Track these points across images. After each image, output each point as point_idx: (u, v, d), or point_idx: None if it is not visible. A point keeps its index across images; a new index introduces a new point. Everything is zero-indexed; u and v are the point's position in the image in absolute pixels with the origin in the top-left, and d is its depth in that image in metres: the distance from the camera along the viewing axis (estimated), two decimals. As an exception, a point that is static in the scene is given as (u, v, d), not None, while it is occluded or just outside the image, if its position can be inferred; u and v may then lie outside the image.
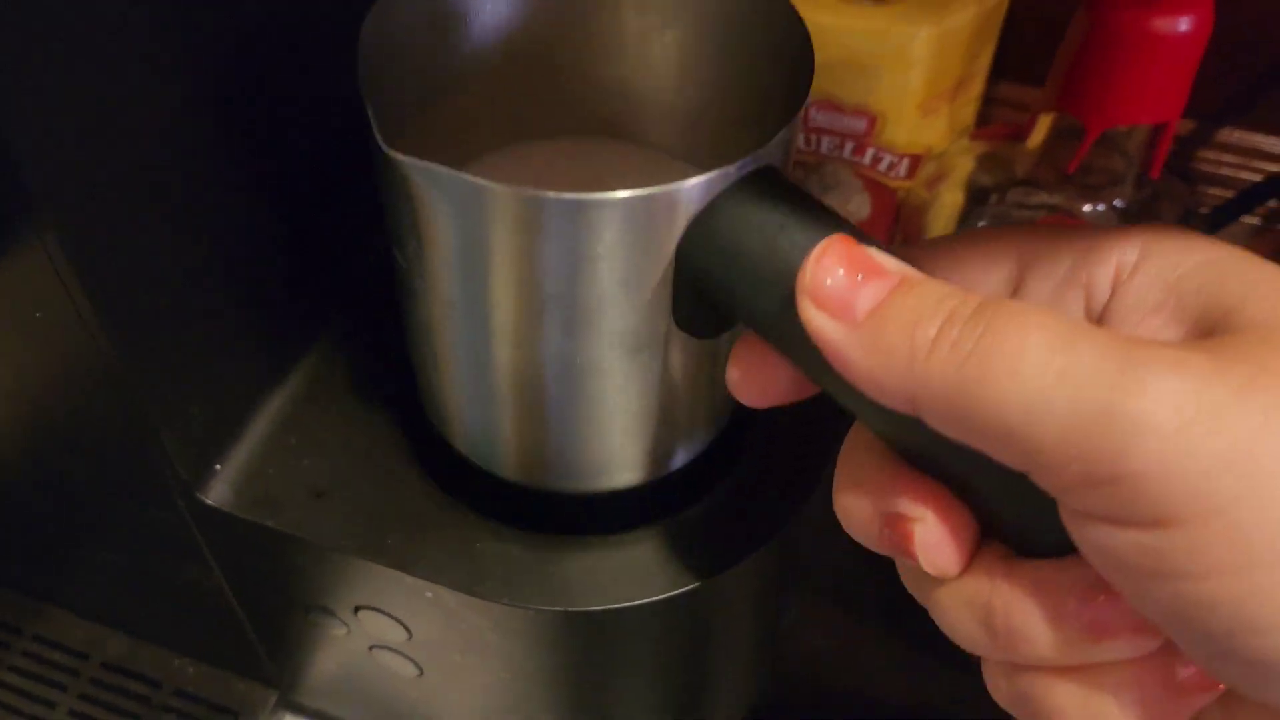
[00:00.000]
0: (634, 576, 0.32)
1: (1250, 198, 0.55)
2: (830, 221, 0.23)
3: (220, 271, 0.32)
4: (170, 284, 0.30)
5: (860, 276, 0.21)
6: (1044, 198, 0.52)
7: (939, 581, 0.22)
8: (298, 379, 0.37)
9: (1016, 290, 0.23)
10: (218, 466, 0.35)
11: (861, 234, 0.22)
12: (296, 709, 0.47)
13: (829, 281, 0.21)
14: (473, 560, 0.33)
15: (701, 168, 0.24)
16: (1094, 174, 0.50)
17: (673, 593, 0.32)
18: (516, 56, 0.31)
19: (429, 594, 0.33)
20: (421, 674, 0.39)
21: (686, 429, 0.31)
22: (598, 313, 0.26)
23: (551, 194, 0.23)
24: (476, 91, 0.31)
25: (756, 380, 0.25)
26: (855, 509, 0.23)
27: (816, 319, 0.21)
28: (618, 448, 0.30)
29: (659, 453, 0.31)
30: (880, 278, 0.21)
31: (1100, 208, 0.50)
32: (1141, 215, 0.50)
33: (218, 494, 0.34)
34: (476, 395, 0.30)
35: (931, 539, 0.21)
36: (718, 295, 0.24)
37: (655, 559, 0.33)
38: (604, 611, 0.32)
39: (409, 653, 0.38)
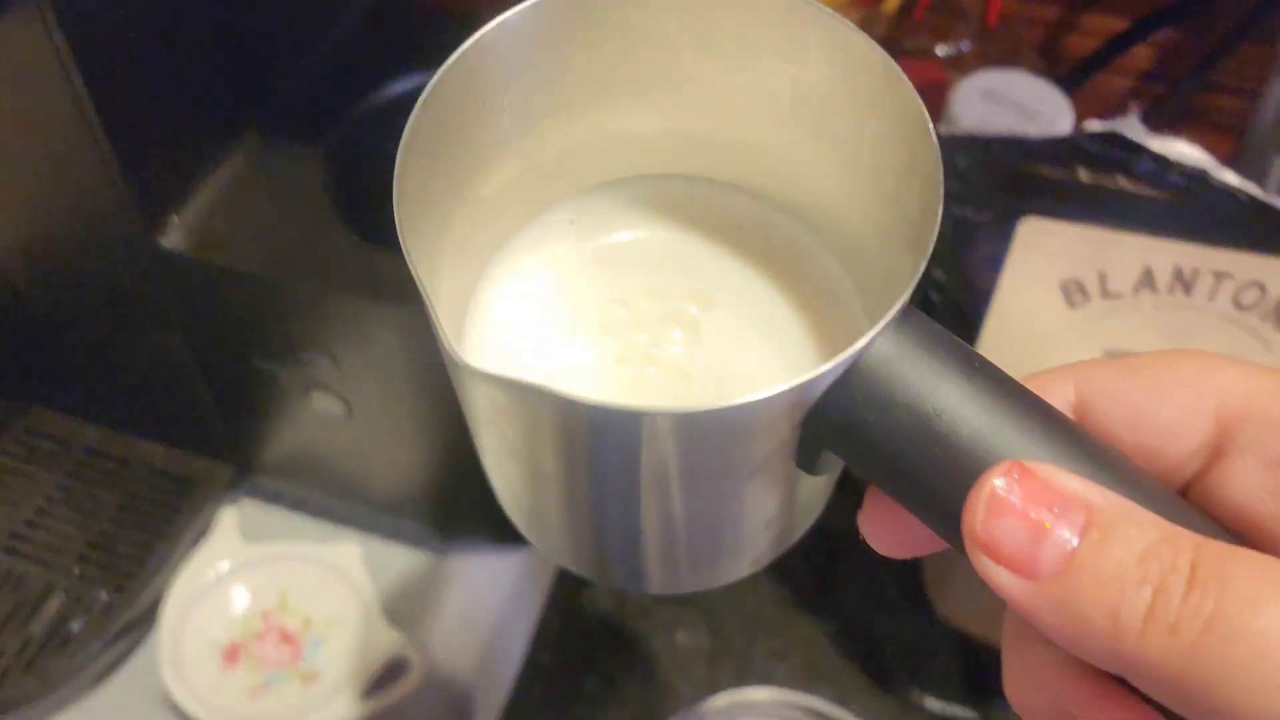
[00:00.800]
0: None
1: (1114, 46, 0.61)
2: (989, 390, 0.20)
3: (185, 38, 0.39)
4: (143, 42, 0.37)
5: (1040, 518, 0.18)
6: (904, 46, 0.60)
7: None
8: (244, 147, 0.44)
9: (1219, 451, 0.20)
10: (174, 217, 0.42)
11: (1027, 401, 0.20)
12: (250, 481, 0.54)
13: (1004, 536, 0.18)
14: (381, 280, 0.40)
15: (784, 209, 0.24)
16: (943, 26, 0.58)
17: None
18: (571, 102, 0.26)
19: (351, 320, 0.41)
20: (350, 412, 0.46)
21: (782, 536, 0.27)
22: (717, 491, 0.23)
23: (680, 410, 0.19)
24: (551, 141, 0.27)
25: (892, 538, 0.23)
26: (1031, 707, 0.20)
27: (994, 575, 0.18)
28: (711, 558, 0.27)
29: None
30: (1063, 517, 0.18)
31: (951, 48, 0.58)
32: (983, 56, 0.57)
33: (173, 239, 0.42)
34: (570, 528, 0.26)
35: None
36: (850, 455, 0.21)
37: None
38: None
39: (338, 387, 0.45)
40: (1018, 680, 0.20)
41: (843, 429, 0.21)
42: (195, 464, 0.53)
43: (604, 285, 0.26)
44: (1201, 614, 0.16)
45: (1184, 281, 0.38)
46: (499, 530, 0.54)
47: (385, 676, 0.48)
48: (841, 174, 0.25)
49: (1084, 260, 0.39)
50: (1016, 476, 0.18)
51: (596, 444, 0.21)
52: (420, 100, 0.22)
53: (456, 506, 0.52)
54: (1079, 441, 0.20)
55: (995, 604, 0.19)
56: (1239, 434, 0.19)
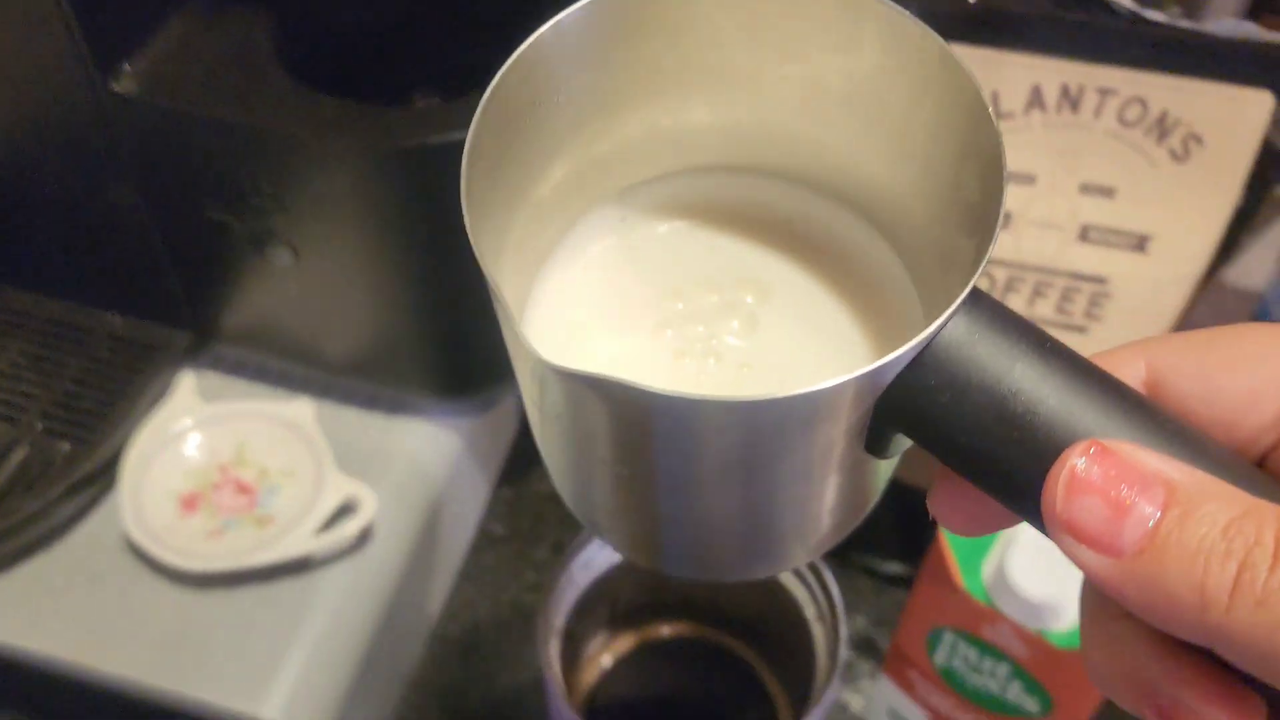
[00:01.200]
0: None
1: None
2: (1064, 369, 0.20)
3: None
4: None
5: (1121, 496, 0.18)
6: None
7: None
8: (193, 6, 0.46)
9: None
10: (126, 66, 0.44)
11: (1107, 381, 0.20)
12: (209, 350, 0.56)
13: (1085, 515, 0.18)
14: (325, 122, 0.43)
15: (836, 199, 0.24)
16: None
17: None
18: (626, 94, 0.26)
19: (297, 160, 0.43)
20: (298, 259, 0.48)
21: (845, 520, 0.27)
22: (783, 477, 0.23)
23: (760, 397, 0.19)
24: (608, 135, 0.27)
25: (964, 517, 0.23)
26: (1112, 678, 0.20)
27: (1076, 553, 0.18)
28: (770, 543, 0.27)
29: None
30: (1144, 494, 0.18)
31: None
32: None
33: (125, 85, 0.44)
34: (635, 518, 0.26)
35: None
36: (923, 438, 0.21)
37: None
38: (426, 147, 0.42)
39: (287, 234, 0.47)
40: (1099, 656, 0.20)
41: (915, 412, 0.21)
42: (155, 331, 0.55)
43: (658, 279, 0.26)
44: None
45: (1071, 99, 0.41)
46: (448, 398, 0.56)
47: (337, 515, 0.50)
48: (896, 162, 0.25)
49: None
50: (1096, 454, 0.18)
51: (675, 435, 0.21)
52: (480, 105, 0.22)
53: (407, 369, 0.54)
54: (1155, 418, 0.20)
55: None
56: None
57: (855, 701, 0.56)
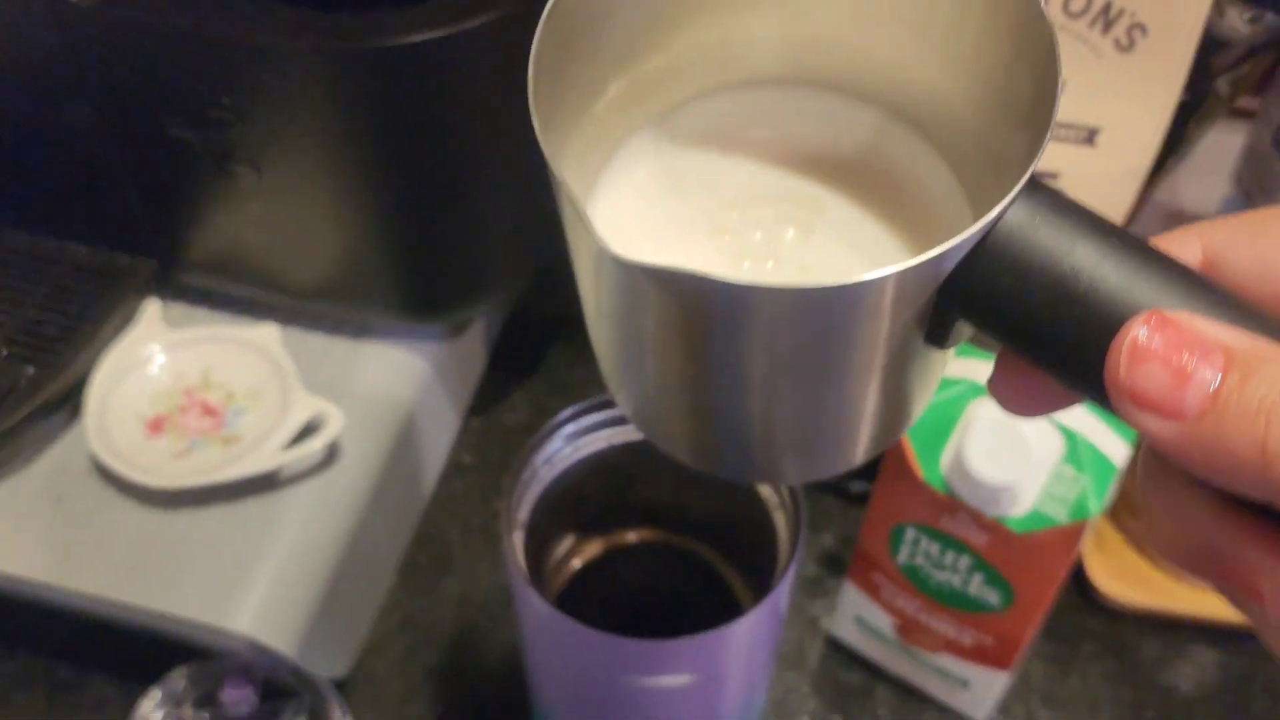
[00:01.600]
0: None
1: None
2: (1124, 249, 0.21)
3: None
4: None
5: (1182, 362, 0.19)
6: None
7: None
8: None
9: None
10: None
11: (1160, 259, 0.21)
12: (174, 279, 0.56)
13: (1147, 381, 0.19)
14: (280, 23, 0.43)
15: (887, 109, 0.25)
16: None
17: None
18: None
19: (256, 67, 0.43)
20: (260, 176, 0.48)
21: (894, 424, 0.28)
22: (852, 369, 0.23)
23: (831, 283, 0.20)
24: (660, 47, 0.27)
25: (1024, 399, 0.24)
26: (1176, 545, 0.21)
27: (1140, 419, 0.19)
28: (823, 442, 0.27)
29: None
30: (1204, 360, 0.19)
31: None
32: None
33: (81, -7, 0.44)
34: (690, 415, 0.27)
35: None
36: (986, 323, 0.22)
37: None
38: (387, 49, 0.42)
39: (248, 149, 0.47)
40: (1161, 522, 0.21)
41: (978, 297, 0.21)
42: (119, 260, 0.55)
43: (710, 196, 0.27)
44: None
45: (1017, -13, 0.41)
46: (415, 320, 0.56)
47: (304, 433, 0.50)
48: (947, 68, 0.25)
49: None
50: (1157, 324, 0.19)
51: (740, 326, 0.22)
52: (542, 18, 0.22)
53: (374, 292, 0.55)
54: (1213, 292, 0.20)
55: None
56: None
57: (825, 618, 0.57)
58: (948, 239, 0.20)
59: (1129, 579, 0.57)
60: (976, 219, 0.20)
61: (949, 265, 0.21)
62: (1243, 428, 0.18)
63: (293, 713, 0.51)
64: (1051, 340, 0.21)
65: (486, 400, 0.66)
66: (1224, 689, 0.55)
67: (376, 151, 0.47)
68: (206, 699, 0.52)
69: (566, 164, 0.24)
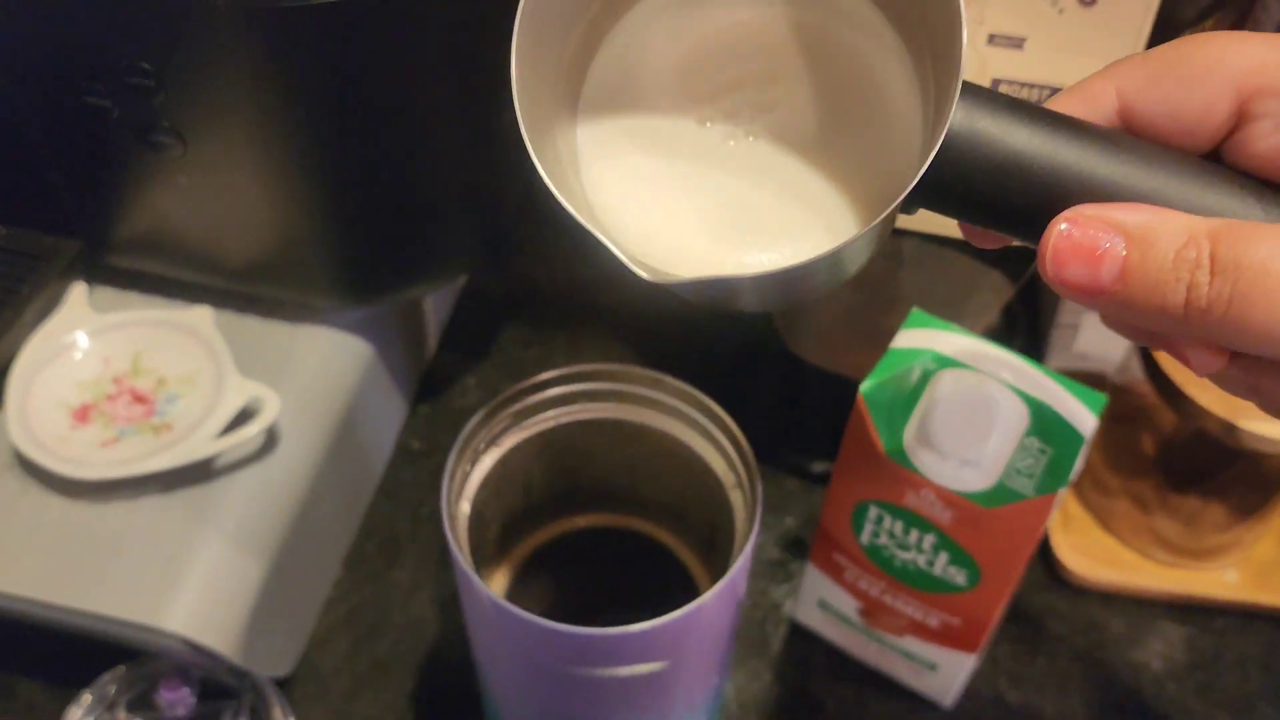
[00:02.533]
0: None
1: None
2: (1047, 131, 0.25)
3: None
4: None
5: (1094, 250, 0.23)
6: None
7: None
8: None
9: (1243, 119, 0.25)
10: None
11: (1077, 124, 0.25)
12: (102, 262, 0.53)
13: (1070, 272, 0.24)
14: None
15: None
16: None
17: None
18: None
19: (172, 26, 0.41)
20: (186, 148, 0.46)
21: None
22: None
23: (805, 261, 0.25)
24: None
25: (989, 239, 0.29)
26: (1125, 331, 0.27)
27: (1072, 295, 0.24)
28: None
29: None
30: (1110, 244, 0.23)
31: None
32: None
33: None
34: None
35: None
36: (939, 205, 0.27)
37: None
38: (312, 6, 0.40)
39: (170, 117, 0.44)
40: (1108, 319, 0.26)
41: (931, 188, 0.25)
42: (41, 241, 0.53)
43: (685, 81, 0.30)
44: (1224, 295, 0.22)
45: (976, -62, 0.40)
46: (356, 302, 0.54)
47: (239, 420, 0.48)
48: None
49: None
50: (1071, 221, 0.24)
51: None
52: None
53: (311, 272, 0.52)
54: (1125, 151, 0.25)
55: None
56: (1256, 104, 0.25)
57: (788, 602, 0.55)
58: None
59: (1096, 556, 0.56)
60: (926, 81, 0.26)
61: (905, 201, 0.25)
62: (1147, 296, 0.23)
63: (232, 714, 0.49)
64: (996, 213, 0.26)
65: (436, 384, 0.64)
66: (1193, 666, 0.54)
67: (307, 120, 0.45)
68: (141, 702, 0.49)
69: (552, 122, 0.28)
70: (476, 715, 0.50)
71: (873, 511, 0.45)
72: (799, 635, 0.54)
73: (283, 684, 0.51)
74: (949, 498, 0.42)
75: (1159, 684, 0.53)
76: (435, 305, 0.63)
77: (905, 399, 0.42)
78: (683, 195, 0.29)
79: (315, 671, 0.52)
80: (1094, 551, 0.56)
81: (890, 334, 0.44)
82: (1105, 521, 0.57)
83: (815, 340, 0.56)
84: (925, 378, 0.42)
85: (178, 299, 0.54)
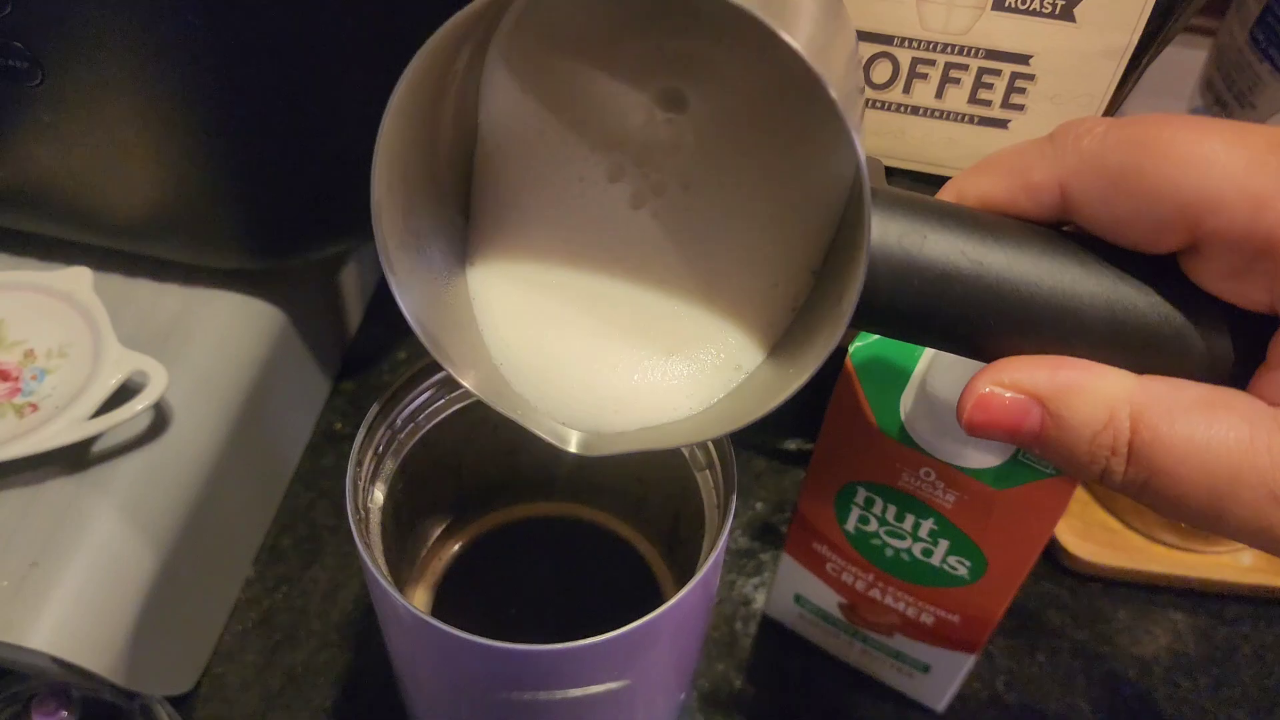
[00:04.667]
0: None
1: None
2: (968, 230, 0.25)
3: None
4: None
5: (1015, 420, 0.24)
6: None
7: None
8: None
9: (1194, 247, 0.24)
10: None
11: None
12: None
13: (988, 433, 0.25)
14: None
15: None
16: None
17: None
18: None
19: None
20: (45, 76, 0.38)
21: None
22: None
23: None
24: None
25: None
26: None
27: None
28: None
29: None
30: (1031, 411, 0.24)
31: None
32: None
33: None
34: None
35: None
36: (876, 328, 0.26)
37: None
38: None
39: (19, 39, 0.37)
40: None
41: (865, 312, 0.25)
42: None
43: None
44: (1137, 481, 0.23)
45: None
46: (261, 261, 0.47)
47: (120, 396, 0.41)
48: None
49: None
50: (995, 381, 0.24)
51: None
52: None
53: (205, 226, 0.45)
54: (1063, 261, 0.24)
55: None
56: (1205, 245, 0.23)
57: (758, 596, 0.49)
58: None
59: (1098, 540, 0.51)
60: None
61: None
62: (1065, 460, 0.24)
63: (119, 740, 0.42)
64: (931, 332, 0.26)
65: (361, 358, 0.57)
66: (1207, 660, 0.49)
67: (193, 45, 0.38)
68: (12, 728, 0.42)
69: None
70: (406, 736, 0.43)
71: (861, 495, 0.39)
72: (772, 633, 0.48)
73: (181, 702, 0.44)
74: (953, 477, 0.36)
75: (1170, 680, 0.48)
76: (358, 269, 0.56)
77: (902, 366, 0.36)
78: (581, 314, 0.28)
79: (220, 687, 0.46)
80: (1096, 535, 0.51)
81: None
82: (1107, 503, 0.52)
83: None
84: (923, 338, 0.36)
85: (51, 260, 0.46)
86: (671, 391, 0.28)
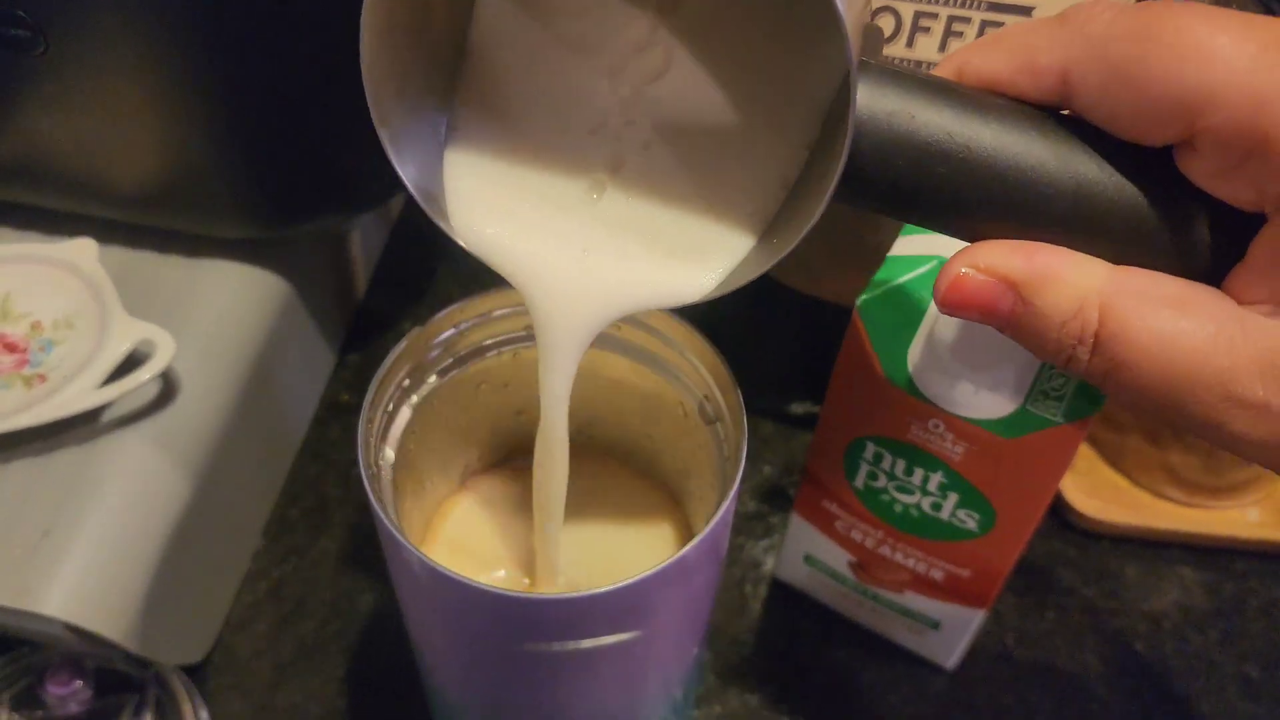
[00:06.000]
0: None
1: None
2: (958, 104, 0.25)
3: None
4: None
5: (989, 301, 0.25)
6: None
7: None
8: None
9: (1189, 140, 0.24)
10: None
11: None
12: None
13: (963, 313, 0.25)
14: None
15: None
16: None
17: None
18: None
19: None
20: (48, 44, 0.38)
21: None
22: None
23: None
24: None
25: None
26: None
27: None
28: None
29: None
30: (1005, 295, 0.24)
31: None
32: None
33: None
34: None
35: None
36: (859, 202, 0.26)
37: None
38: None
39: (22, 8, 0.37)
40: None
41: (857, 181, 0.25)
42: (-110, 169, 0.45)
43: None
44: (1099, 369, 0.24)
45: None
46: (265, 230, 0.47)
47: (128, 366, 0.41)
48: None
49: None
50: (971, 263, 0.24)
51: None
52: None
53: (209, 198, 0.45)
54: (1046, 143, 0.24)
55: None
56: (1200, 138, 0.23)
57: (768, 560, 0.49)
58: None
59: (1106, 497, 0.51)
60: None
61: None
62: (1038, 344, 0.24)
63: (133, 709, 0.42)
64: (920, 204, 0.26)
65: (368, 329, 0.57)
66: (1215, 614, 0.49)
67: (195, 7, 0.37)
68: (27, 698, 0.42)
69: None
70: (418, 703, 0.43)
71: (869, 450, 0.39)
72: (782, 595, 0.48)
73: (194, 672, 0.44)
74: (962, 428, 0.36)
75: (1180, 635, 0.48)
76: (364, 239, 0.56)
77: (909, 316, 0.36)
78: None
79: (232, 657, 0.46)
80: (1104, 492, 0.51)
81: (879, 251, 0.38)
82: (1115, 459, 0.52)
83: (792, 261, 0.50)
84: (931, 290, 0.36)
85: (56, 233, 0.46)
86: (668, 282, 0.28)
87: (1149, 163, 0.24)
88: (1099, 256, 0.24)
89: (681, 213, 0.28)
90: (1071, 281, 0.24)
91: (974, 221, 0.25)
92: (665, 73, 0.28)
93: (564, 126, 0.28)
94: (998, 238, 0.25)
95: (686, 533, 0.39)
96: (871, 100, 0.24)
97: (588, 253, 0.28)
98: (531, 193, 0.28)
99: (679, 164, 0.28)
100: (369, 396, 0.32)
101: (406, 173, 0.26)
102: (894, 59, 0.39)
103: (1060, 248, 0.24)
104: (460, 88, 0.28)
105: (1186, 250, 0.24)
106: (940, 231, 0.26)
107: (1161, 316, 0.23)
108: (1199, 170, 0.23)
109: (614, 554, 0.38)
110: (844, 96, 0.24)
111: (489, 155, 0.28)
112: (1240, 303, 0.23)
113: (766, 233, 0.28)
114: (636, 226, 0.28)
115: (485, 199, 0.28)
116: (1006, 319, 0.24)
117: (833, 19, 0.22)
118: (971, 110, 0.24)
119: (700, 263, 0.28)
